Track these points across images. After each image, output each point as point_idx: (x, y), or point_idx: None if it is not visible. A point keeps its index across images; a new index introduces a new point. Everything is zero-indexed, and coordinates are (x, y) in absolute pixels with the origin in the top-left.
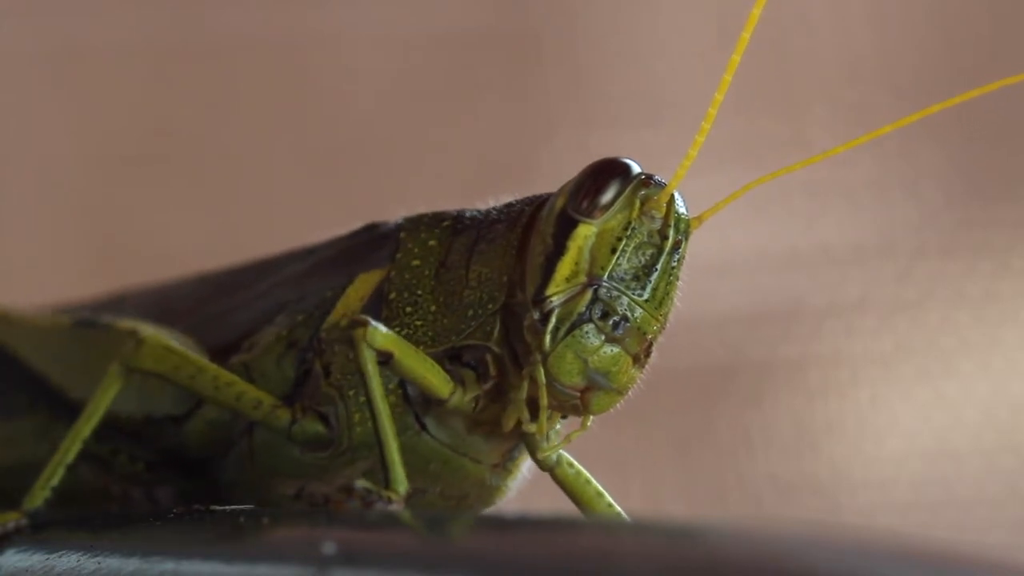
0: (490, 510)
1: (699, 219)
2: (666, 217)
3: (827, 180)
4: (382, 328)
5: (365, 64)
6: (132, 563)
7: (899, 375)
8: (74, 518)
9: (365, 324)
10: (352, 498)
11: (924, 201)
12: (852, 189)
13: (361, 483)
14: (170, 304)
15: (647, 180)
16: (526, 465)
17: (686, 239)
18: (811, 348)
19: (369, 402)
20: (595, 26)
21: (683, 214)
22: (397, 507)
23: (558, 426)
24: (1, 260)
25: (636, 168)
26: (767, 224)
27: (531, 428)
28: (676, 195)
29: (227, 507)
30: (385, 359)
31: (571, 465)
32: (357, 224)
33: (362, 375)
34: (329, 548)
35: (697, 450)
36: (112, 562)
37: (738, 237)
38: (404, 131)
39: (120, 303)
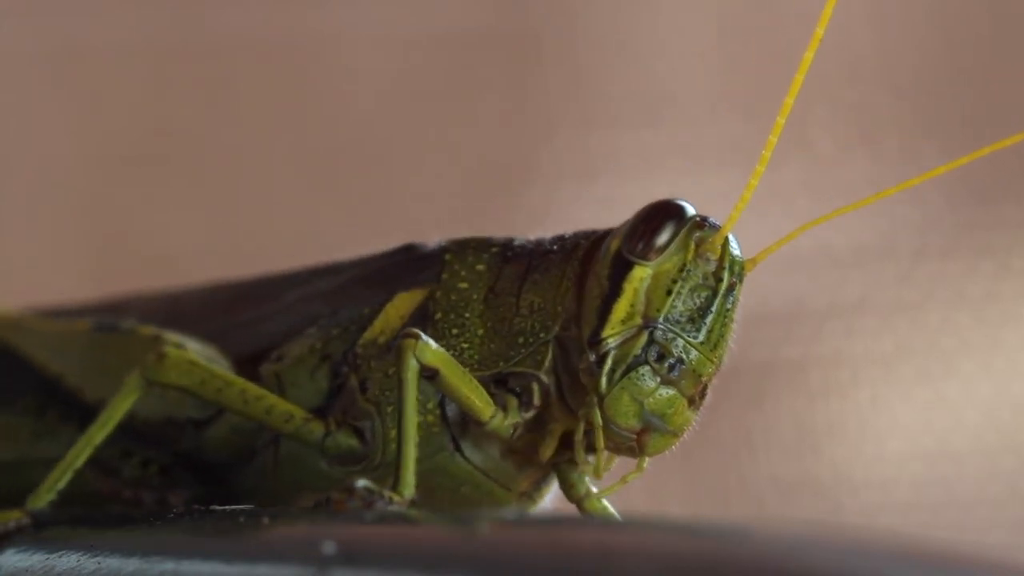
0: (490, 511)
1: (753, 261)
2: (721, 259)
3: (828, 181)
4: (432, 344)
5: (365, 64)
6: (132, 563)
7: (900, 376)
8: (75, 517)
9: (416, 337)
10: (353, 498)
11: (925, 203)
12: (853, 190)
13: (362, 483)
14: (186, 311)
15: (702, 222)
16: (550, 496)
17: (740, 281)
18: (812, 349)
19: (400, 408)
20: (595, 26)
21: (738, 256)
22: (397, 507)
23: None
24: (1, 260)
25: (691, 210)
26: (768, 225)
27: (588, 469)
28: (731, 237)
29: (227, 507)
30: (431, 374)
31: (599, 499)
32: (357, 224)
33: (400, 384)
34: (329, 548)
35: (699, 451)
36: (112, 562)
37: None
38: (404, 131)
39: (132, 308)
